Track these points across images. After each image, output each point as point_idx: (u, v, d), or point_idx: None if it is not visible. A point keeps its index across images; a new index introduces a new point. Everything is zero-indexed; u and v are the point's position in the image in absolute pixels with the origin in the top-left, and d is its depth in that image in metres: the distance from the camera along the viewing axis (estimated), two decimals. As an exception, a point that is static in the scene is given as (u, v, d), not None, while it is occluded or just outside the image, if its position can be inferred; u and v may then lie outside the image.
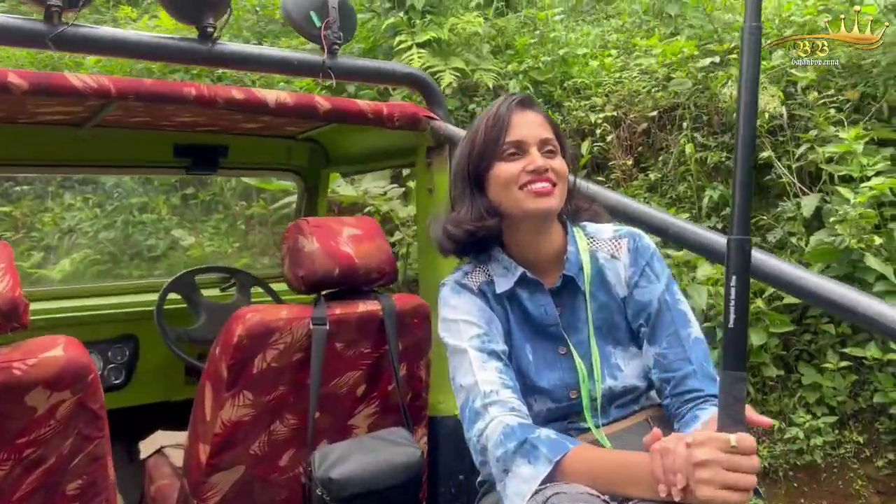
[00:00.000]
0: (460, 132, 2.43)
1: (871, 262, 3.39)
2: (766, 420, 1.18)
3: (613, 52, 5.68)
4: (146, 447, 2.43)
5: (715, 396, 1.33)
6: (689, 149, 4.48)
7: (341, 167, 3.27)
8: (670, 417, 1.44)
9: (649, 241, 1.54)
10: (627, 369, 1.48)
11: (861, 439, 3.72)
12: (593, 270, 1.50)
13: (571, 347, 1.47)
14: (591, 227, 1.58)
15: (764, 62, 4.61)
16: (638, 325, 1.49)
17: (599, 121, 5.03)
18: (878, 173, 3.71)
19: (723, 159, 4.54)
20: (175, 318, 2.76)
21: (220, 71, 5.48)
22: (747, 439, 1.04)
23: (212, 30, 2.09)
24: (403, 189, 4.78)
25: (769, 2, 5.30)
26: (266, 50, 2.30)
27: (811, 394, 3.79)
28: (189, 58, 2.14)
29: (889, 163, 3.74)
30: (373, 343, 2.02)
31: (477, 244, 1.53)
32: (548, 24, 6.00)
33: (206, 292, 2.93)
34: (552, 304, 1.49)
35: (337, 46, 2.29)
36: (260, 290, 3.03)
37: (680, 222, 1.58)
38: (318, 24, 2.26)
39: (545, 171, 1.42)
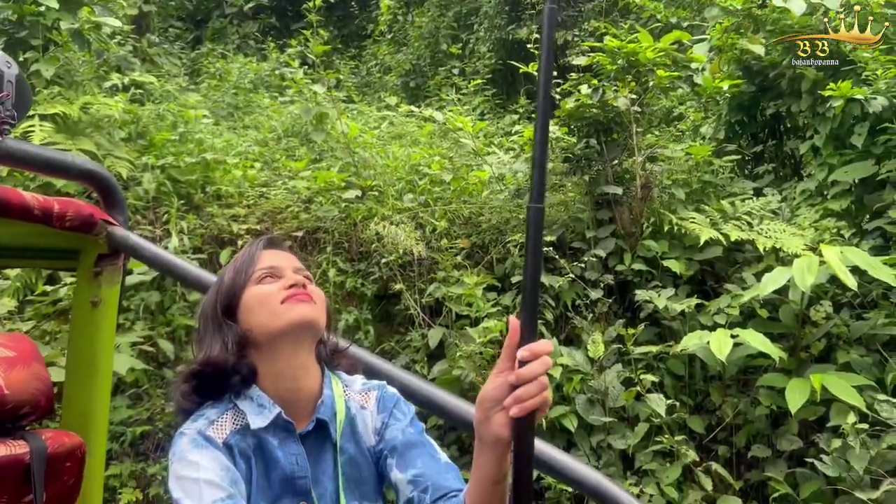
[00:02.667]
0: (142, 242, 2.22)
1: (487, 393, 3.89)
2: None
3: (256, 164, 5.73)
4: None
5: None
6: (331, 273, 4.68)
7: None
8: None
9: (395, 390, 1.56)
10: None
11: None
12: (346, 419, 1.45)
13: (316, 502, 1.38)
14: (345, 376, 1.54)
15: (398, 202, 5.14)
16: (385, 457, 1.42)
17: (242, 231, 4.96)
18: (487, 315, 4.35)
19: (358, 285, 4.84)
20: None
21: None
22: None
23: None
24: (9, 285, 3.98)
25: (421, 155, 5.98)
26: None
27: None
28: None
29: (498, 307, 4.42)
30: (11, 496, 1.70)
31: (226, 386, 1.38)
32: (192, 123, 5.81)
33: None
34: (304, 453, 1.39)
35: (8, 127, 1.94)
36: None
37: (441, 392, 1.62)
38: None
39: (305, 287, 1.38)
